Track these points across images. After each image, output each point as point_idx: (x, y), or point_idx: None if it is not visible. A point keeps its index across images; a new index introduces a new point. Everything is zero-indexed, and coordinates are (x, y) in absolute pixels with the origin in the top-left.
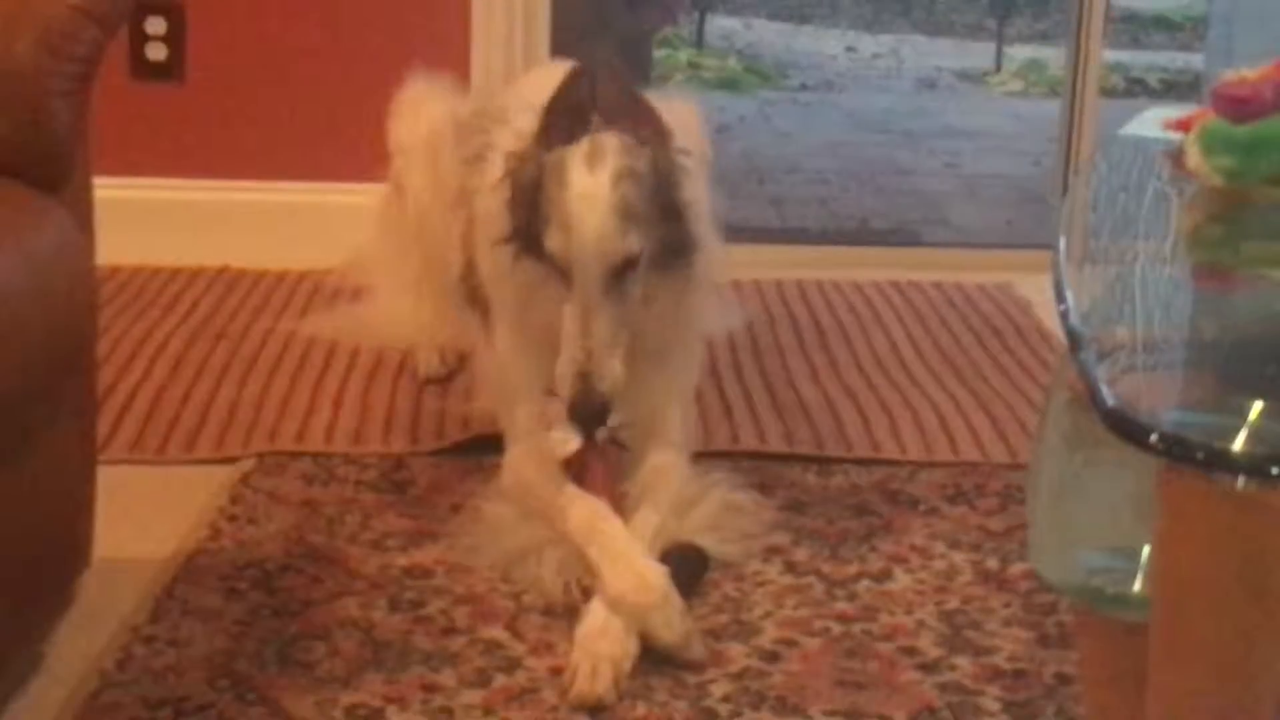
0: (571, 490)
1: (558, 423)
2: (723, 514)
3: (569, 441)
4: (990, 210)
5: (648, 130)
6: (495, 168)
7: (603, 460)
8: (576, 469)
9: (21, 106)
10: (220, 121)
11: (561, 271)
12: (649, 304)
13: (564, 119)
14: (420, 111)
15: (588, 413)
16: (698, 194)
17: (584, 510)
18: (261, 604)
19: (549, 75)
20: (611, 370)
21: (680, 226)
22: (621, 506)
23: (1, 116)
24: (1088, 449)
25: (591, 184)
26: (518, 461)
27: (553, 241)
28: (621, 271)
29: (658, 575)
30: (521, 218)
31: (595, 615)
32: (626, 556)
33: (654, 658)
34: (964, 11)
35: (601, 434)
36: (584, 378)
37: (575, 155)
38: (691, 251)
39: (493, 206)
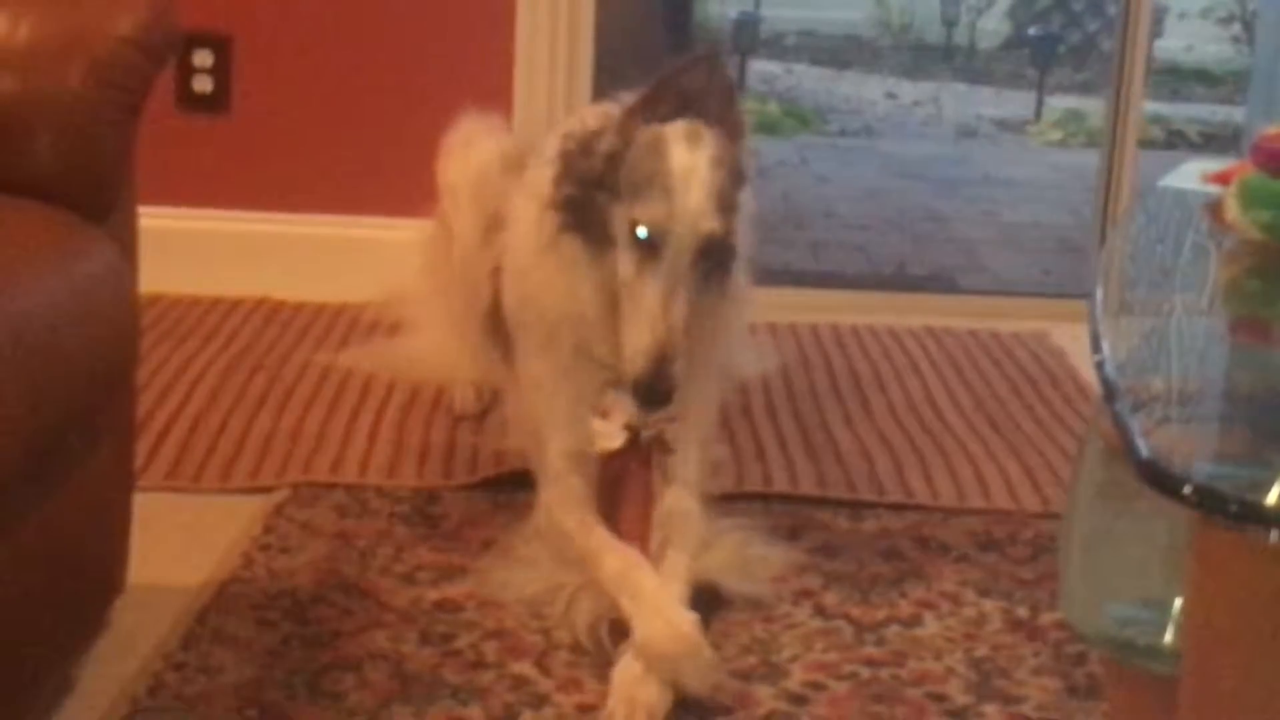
0: (605, 537)
1: (608, 414)
2: (737, 559)
3: (614, 437)
4: (1027, 259)
5: (733, 129)
6: (525, 206)
7: (644, 462)
8: (617, 467)
9: (71, 135)
10: (264, 154)
11: (647, 245)
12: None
13: (666, 100)
14: (470, 152)
15: (657, 391)
16: (747, 207)
17: (617, 560)
18: (292, 634)
19: (588, 119)
20: (680, 354)
21: (731, 231)
22: (652, 517)
23: (51, 145)
24: (1121, 500)
25: (692, 160)
26: (552, 504)
27: (646, 210)
28: (703, 255)
29: (690, 625)
30: (578, 190)
31: (637, 660)
32: (658, 606)
33: (684, 700)
34: (1005, 61)
35: (647, 434)
36: (661, 358)
37: (676, 132)
38: (731, 259)
39: (537, 213)
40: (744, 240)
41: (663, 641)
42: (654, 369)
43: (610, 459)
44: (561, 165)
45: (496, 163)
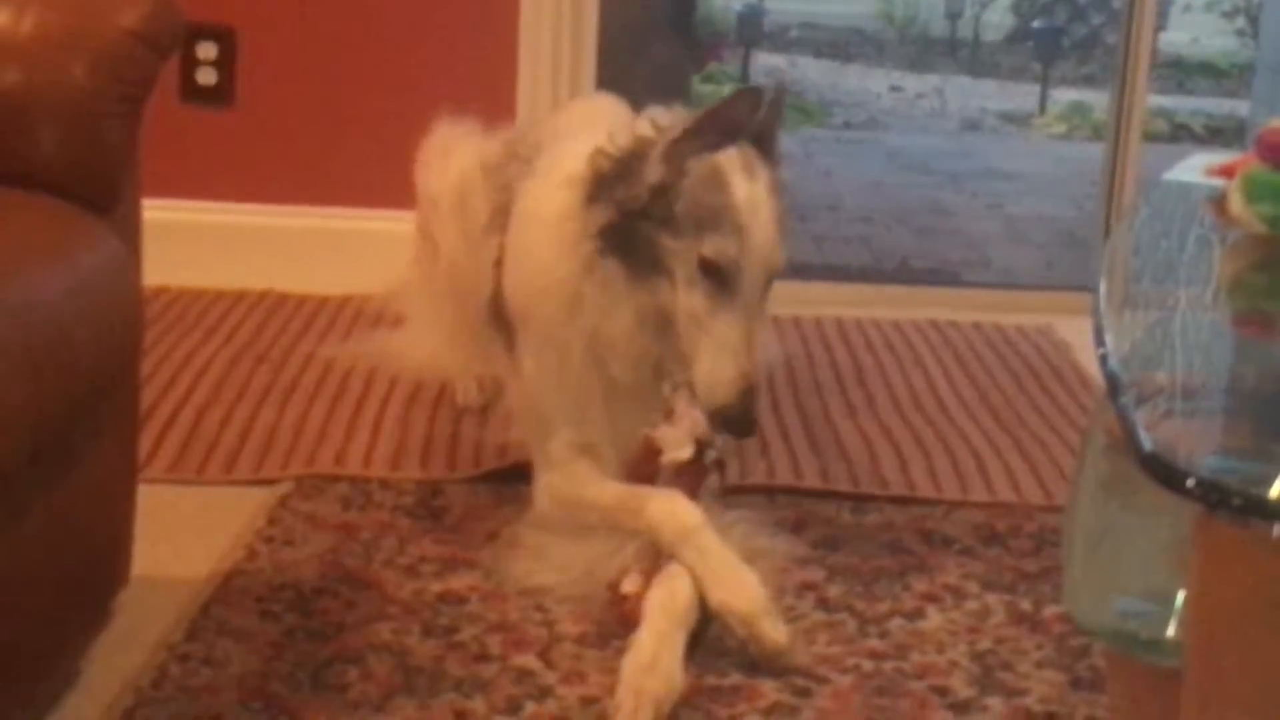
0: (635, 487)
1: (676, 420)
2: (741, 552)
3: (684, 447)
4: (1031, 252)
5: (773, 156)
6: (532, 195)
7: (699, 482)
8: (671, 478)
9: (75, 128)
10: (268, 147)
11: (718, 280)
12: None
13: (715, 129)
14: (449, 160)
15: (745, 422)
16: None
17: (665, 504)
18: (296, 626)
19: (591, 107)
20: (761, 383)
21: None
22: None
23: (55, 137)
24: (1124, 493)
25: (755, 192)
26: (554, 484)
27: (717, 248)
28: (769, 285)
29: (755, 582)
30: (617, 217)
31: (644, 648)
32: (725, 561)
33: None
34: (1009, 54)
35: (711, 455)
36: (747, 389)
37: (732, 163)
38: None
39: (557, 206)
40: None
41: (736, 599)
42: (741, 401)
43: (670, 470)
44: (595, 187)
45: (477, 169)
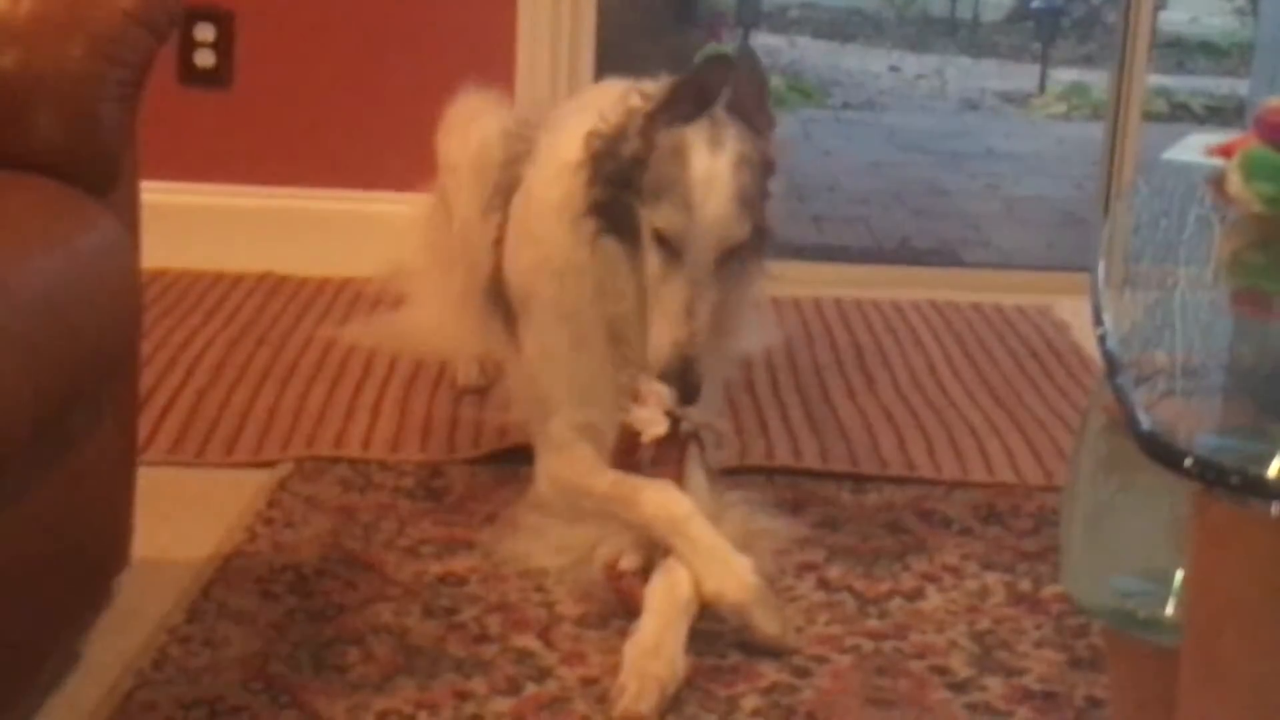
0: (632, 478)
1: (645, 401)
2: (740, 532)
3: (659, 423)
4: (1031, 232)
5: (760, 121)
6: (534, 179)
7: (681, 452)
8: (653, 455)
9: (73, 111)
10: (266, 129)
11: (670, 249)
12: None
13: (687, 99)
14: (471, 128)
15: (682, 386)
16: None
17: (656, 496)
18: (297, 608)
19: (599, 93)
20: (703, 352)
21: (761, 222)
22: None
23: (53, 120)
24: (1123, 473)
25: (713, 166)
26: (555, 469)
27: (667, 219)
28: (728, 256)
29: (749, 569)
30: (606, 192)
31: (647, 633)
32: (716, 551)
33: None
34: (1009, 33)
35: (687, 426)
36: (683, 357)
37: (697, 135)
38: (761, 245)
39: (561, 188)
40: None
41: (731, 591)
42: (678, 366)
43: (648, 446)
44: (592, 168)
45: (498, 139)
